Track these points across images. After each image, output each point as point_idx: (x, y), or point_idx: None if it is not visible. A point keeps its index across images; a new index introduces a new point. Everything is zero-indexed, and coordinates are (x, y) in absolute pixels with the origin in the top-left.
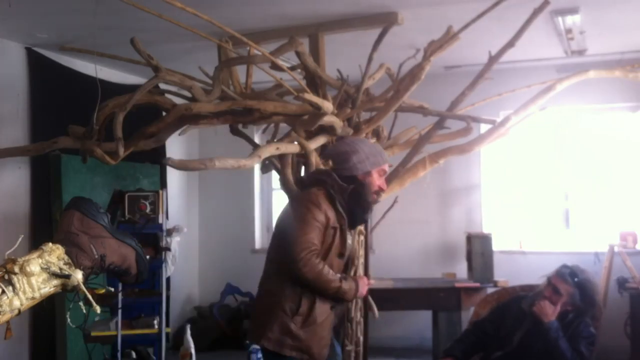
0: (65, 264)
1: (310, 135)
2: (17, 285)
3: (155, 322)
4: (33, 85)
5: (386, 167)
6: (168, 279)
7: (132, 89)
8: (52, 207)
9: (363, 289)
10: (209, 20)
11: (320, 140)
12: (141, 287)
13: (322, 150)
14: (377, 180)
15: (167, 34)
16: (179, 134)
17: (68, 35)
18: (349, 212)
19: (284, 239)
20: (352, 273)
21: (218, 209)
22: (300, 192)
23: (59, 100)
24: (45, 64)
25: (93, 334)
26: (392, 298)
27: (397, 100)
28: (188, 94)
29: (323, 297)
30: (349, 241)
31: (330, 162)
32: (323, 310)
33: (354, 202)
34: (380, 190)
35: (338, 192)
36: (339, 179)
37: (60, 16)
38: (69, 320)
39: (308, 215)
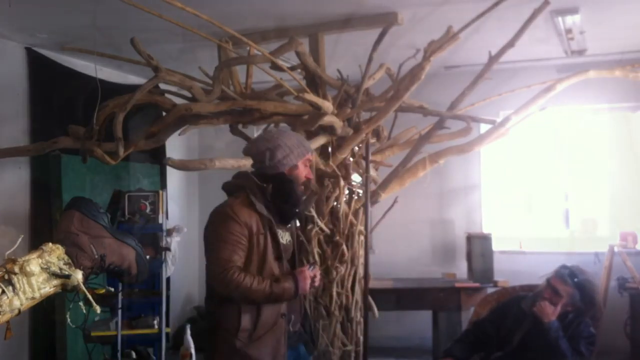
0: (65, 264)
1: (310, 135)
2: (17, 285)
3: (155, 322)
4: (33, 85)
5: (310, 156)
6: (168, 279)
7: (132, 89)
8: (52, 207)
9: (304, 284)
10: (209, 20)
11: (321, 140)
12: (141, 287)
13: (245, 149)
14: (303, 171)
15: (167, 34)
16: (179, 134)
17: (68, 35)
18: (277, 210)
19: (207, 259)
20: (351, 272)
21: None
22: (220, 203)
23: (59, 100)
24: (45, 64)
25: (93, 334)
26: (392, 298)
27: (397, 100)
28: (188, 94)
29: (265, 306)
30: (284, 240)
31: (252, 161)
32: (269, 320)
33: (282, 198)
34: (307, 180)
35: (258, 194)
36: (260, 178)
37: (60, 16)
38: (69, 320)
39: (222, 230)
